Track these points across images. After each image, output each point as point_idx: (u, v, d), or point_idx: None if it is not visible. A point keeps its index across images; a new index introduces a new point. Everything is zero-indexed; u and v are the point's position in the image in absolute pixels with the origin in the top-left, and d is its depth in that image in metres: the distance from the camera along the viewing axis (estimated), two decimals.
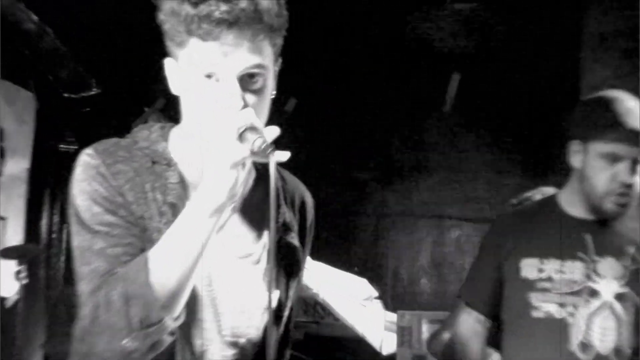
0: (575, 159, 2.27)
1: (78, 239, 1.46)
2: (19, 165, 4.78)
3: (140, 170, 1.49)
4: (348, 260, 5.69)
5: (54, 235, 5.48)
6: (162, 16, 1.46)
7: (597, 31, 5.45)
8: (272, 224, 1.39)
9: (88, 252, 1.43)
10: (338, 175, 5.98)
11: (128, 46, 5.11)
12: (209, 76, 1.41)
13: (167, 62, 1.52)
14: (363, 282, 5.24)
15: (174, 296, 1.36)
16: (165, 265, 1.35)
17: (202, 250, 1.36)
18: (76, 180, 1.47)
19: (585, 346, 2.18)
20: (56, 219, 5.47)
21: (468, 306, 2.44)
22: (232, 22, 1.38)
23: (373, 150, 6.00)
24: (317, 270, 4.89)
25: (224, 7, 1.38)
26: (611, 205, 2.20)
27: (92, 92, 5.49)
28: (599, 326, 2.19)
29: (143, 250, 1.40)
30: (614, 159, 2.17)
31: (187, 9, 1.40)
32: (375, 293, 5.23)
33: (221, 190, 1.33)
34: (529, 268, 2.25)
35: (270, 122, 1.43)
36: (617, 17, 5.47)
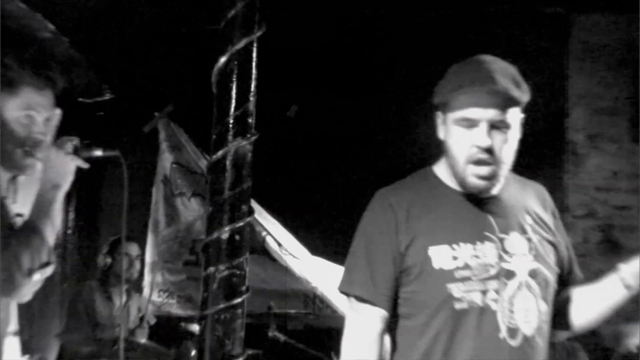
0: (440, 131, 2.12)
1: None
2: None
3: None
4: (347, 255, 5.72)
5: (69, 232, 5.67)
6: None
7: (584, 43, 5.62)
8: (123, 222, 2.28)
9: None
10: (339, 178, 6.03)
11: (139, 53, 5.31)
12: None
13: None
14: None
15: None
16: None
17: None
18: None
19: (512, 331, 2.01)
20: (71, 215, 5.66)
21: (368, 303, 2.06)
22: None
23: (376, 153, 6.01)
24: (316, 264, 5.00)
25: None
26: (472, 178, 2.04)
27: (105, 98, 5.74)
28: (521, 307, 2.03)
29: None
30: (469, 124, 2.02)
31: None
32: None
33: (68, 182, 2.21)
34: (441, 257, 2.02)
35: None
36: (604, 29, 5.65)
